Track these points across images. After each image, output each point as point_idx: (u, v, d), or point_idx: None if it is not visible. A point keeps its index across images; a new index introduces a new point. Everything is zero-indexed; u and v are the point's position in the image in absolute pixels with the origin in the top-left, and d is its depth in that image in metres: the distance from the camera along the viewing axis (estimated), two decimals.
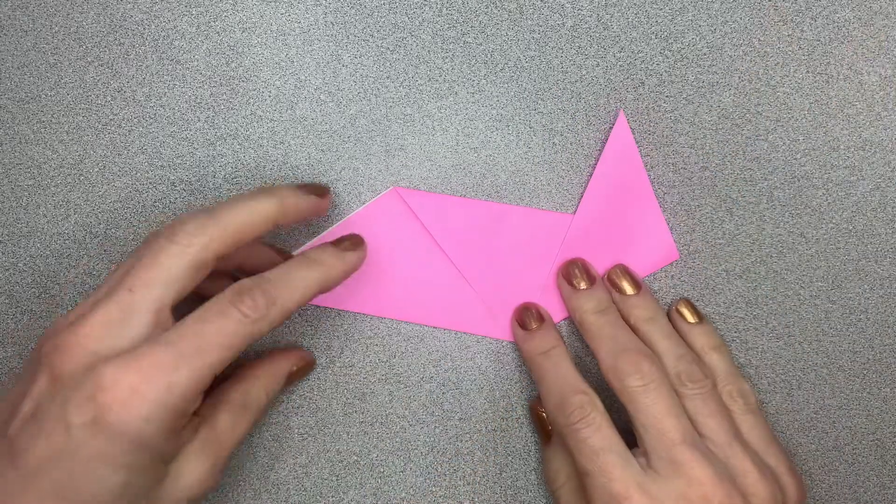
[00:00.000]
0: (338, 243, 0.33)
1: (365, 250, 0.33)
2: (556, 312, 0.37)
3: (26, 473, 0.26)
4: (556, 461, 0.35)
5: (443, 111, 0.37)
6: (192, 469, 0.29)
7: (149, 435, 0.27)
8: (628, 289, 0.36)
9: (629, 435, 0.33)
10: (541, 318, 0.36)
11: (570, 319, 0.37)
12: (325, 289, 0.31)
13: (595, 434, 0.32)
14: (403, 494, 0.37)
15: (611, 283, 0.36)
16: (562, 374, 0.34)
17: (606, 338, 0.34)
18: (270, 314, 0.29)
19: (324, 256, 0.31)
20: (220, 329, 0.28)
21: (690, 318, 0.36)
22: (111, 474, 0.26)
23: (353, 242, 0.33)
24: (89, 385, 0.26)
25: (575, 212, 0.37)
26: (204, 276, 0.29)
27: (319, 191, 0.33)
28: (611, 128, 0.37)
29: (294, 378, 0.36)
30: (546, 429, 0.36)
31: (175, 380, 0.27)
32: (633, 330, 0.35)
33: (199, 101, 0.37)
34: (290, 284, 0.30)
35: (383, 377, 0.37)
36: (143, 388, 0.26)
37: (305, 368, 0.36)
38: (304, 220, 0.33)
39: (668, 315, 0.37)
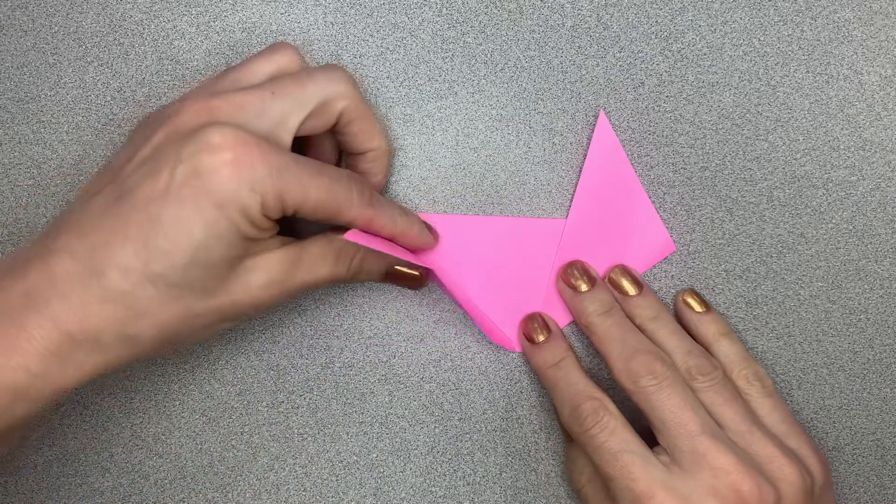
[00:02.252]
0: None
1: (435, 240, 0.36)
2: (561, 318, 0.37)
3: (129, 208, 0.28)
4: (580, 459, 0.35)
5: (443, 111, 0.37)
6: (260, 270, 0.30)
7: (234, 201, 0.28)
8: (630, 289, 0.36)
9: (648, 438, 0.33)
10: (547, 328, 0.36)
11: (575, 323, 0.37)
12: (397, 236, 0.34)
13: (611, 437, 0.32)
14: (403, 494, 0.37)
15: (612, 284, 0.36)
16: (572, 383, 0.34)
17: (616, 340, 0.34)
18: (371, 202, 0.32)
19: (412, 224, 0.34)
20: (333, 177, 0.31)
21: (697, 307, 0.36)
22: (196, 223, 0.28)
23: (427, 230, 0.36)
24: (208, 131, 0.28)
25: (567, 216, 0.37)
26: (321, 129, 0.32)
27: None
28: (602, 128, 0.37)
29: (396, 278, 0.35)
30: None
31: (278, 171, 0.29)
32: (639, 329, 0.35)
33: None
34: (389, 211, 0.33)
35: (383, 377, 0.37)
36: (255, 153, 0.28)
37: (411, 279, 0.35)
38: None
39: (675, 306, 0.37)
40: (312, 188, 0.30)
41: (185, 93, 0.33)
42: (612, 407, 0.33)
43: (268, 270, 0.30)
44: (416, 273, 0.35)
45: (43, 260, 0.28)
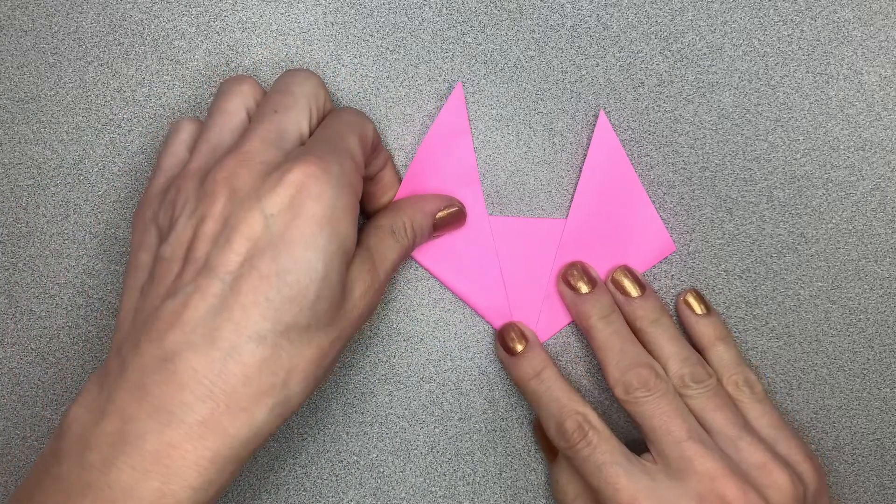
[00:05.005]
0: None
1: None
2: (561, 318, 0.37)
3: (234, 280, 0.27)
4: (563, 477, 0.35)
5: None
6: (355, 282, 0.30)
7: (337, 213, 0.28)
8: (633, 290, 0.36)
9: (637, 445, 0.33)
10: (524, 337, 0.36)
11: (575, 324, 0.37)
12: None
13: (595, 451, 0.32)
14: (403, 494, 0.37)
15: (615, 284, 0.36)
16: (555, 398, 0.34)
17: (615, 350, 0.34)
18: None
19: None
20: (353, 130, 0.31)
21: (698, 309, 0.36)
22: (312, 258, 0.28)
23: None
24: (275, 177, 0.28)
25: (567, 216, 0.37)
26: (317, 124, 0.32)
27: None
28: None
29: (443, 224, 0.35)
30: (551, 446, 0.36)
31: (344, 162, 0.29)
32: (638, 332, 0.35)
33: (198, 101, 0.37)
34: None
35: (383, 377, 0.37)
36: (322, 170, 0.28)
37: (455, 216, 0.36)
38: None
39: (676, 305, 0.37)
40: (351, 139, 0.31)
41: (176, 162, 0.32)
42: (595, 420, 0.33)
43: (360, 278, 0.30)
44: (457, 208, 0.36)
45: (163, 372, 0.26)
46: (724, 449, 0.32)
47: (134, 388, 0.27)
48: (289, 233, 0.27)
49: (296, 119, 0.31)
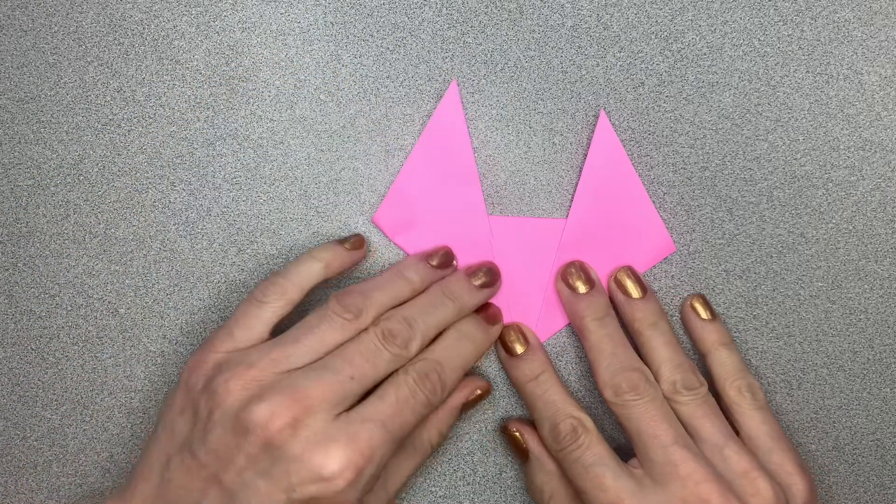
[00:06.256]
0: (481, 312, 0.35)
1: (502, 321, 0.36)
2: (560, 319, 0.37)
3: None
4: (538, 477, 0.35)
5: None
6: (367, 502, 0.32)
7: (352, 499, 0.30)
8: (634, 292, 0.36)
9: (626, 453, 0.33)
10: (525, 339, 0.36)
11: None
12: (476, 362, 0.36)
13: (585, 452, 0.32)
14: (403, 494, 0.37)
15: (617, 283, 0.36)
16: (551, 401, 0.34)
17: (606, 353, 0.34)
18: (441, 397, 0.33)
19: (476, 333, 0.34)
20: (405, 410, 0.31)
21: (704, 314, 0.36)
22: None
23: (493, 315, 0.36)
24: (311, 466, 0.29)
25: (567, 216, 0.37)
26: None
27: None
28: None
29: (469, 407, 0.36)
30: (521, 447, 0.36)
31: (380, 453, 0.30)
32: (635, 334, 0.35)
33: (198, 101, 0.37)
34: (455, 367, 0.33)
35: None
36: (355, 464, 0.29)
37: (481, 397, 0.36)
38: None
39: (681, 308, 0.37)
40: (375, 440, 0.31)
41: (210, 355, 0.33)
42: (589, 424, 0.33)
43: (370, 499, 0.32)
44: (481, 391, 0.36)
45: None
46: (710, 457, 0.32)
47: None
48: None
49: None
